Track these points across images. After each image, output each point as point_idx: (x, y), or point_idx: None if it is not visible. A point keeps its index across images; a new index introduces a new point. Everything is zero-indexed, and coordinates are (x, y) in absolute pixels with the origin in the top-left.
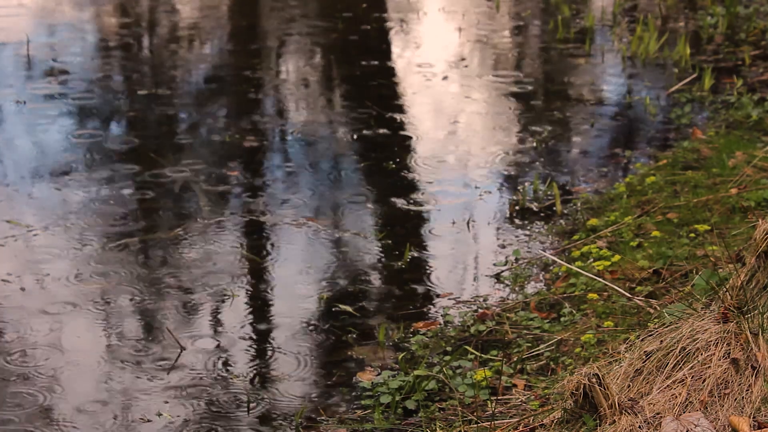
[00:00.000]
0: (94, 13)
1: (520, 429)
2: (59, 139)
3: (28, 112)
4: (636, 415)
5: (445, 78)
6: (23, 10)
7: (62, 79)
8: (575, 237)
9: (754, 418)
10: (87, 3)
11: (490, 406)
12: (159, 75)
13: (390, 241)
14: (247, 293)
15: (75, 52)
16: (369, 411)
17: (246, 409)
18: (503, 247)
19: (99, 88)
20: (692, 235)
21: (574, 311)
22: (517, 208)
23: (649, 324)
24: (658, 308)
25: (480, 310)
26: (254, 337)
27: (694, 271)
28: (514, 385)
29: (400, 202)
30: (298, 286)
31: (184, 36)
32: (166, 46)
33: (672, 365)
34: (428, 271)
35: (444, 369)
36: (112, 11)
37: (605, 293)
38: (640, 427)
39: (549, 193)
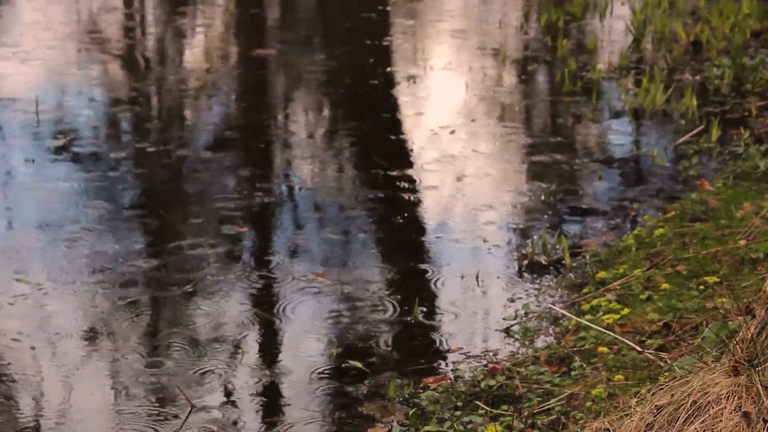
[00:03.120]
0: (102, 69)
1: None
2: (68, 196)
3: (37, 169)
4: None
5: (452, 132)
6: (32, 67)
7: (71, 137)
8: (585, 290)
9: None
10: (96, 59)
11: None
12: (168, 132)
13: (399, 296)
14: (257, 349)
15: (84, 109)
16: None
17: None
18: (512, 300)
19: (107, 146)
20: (702, 287)
21: (585, 365)
22: (525, 261)
23: (659, 377)
24: (669, 361)
25: (490, 365)
26: (264, 393)
27: (704, 324)
28: None
29: (408, 257)
30: (307, 341)
31: (193, 93)
32: (175, 103)
33: (683, 419)
34: (438, 326)
35: (455, 425)
36: (120, 68)
37: (615, 346)
38: None
39: (558, 246)
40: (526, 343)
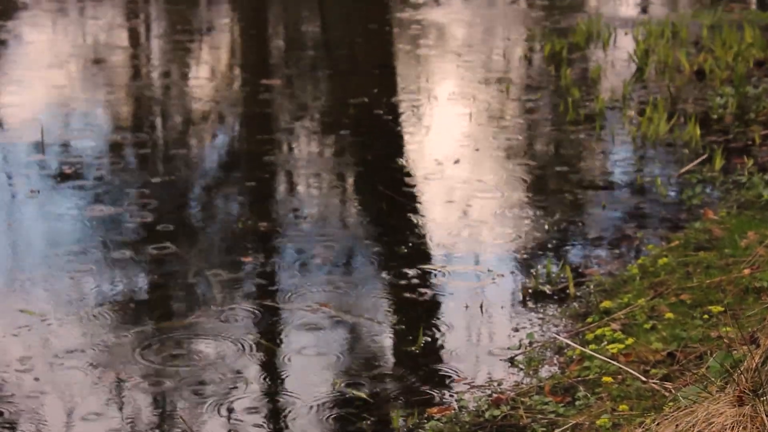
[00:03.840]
0: (107, 99)
1: None
2: (72, 226)
3: (42, 199)
4: None
5: (456, 162)
6: (38, 97)
7: (76, 167)
8: (589, 320)
9: None
10: (101, 89)
11: None
12: (173, 162)
13: (403, 326)
14: (260, 379)
15: (89, 139)
16: None
17: None
18: (517, 330)
19: (113, 176)
20: (706, 316)
21: (589, 395)
22: (530, 291)
23: (664, 407)
24: (673, 391)
25: (494, 395)
26: (267, 423)
27: (709, 353)
28: None
29: (413, 287)
30: (311, 372)
31: (197, 122)
32: (180, 132)
33: None
34: (442, 356)
35: None
36: (125, 98)
37: (620, 376)
38: None
39: (562, 275)
40: (531, 372)
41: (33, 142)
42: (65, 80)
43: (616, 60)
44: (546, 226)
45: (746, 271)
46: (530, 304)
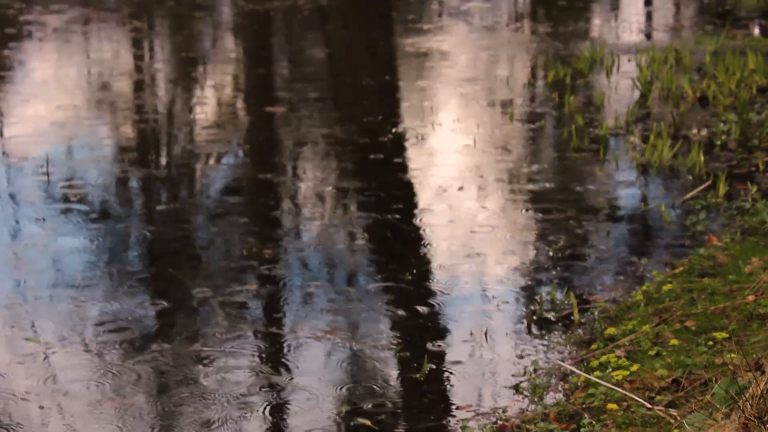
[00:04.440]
0: (112, 128)
1: None
2: (77, 255)
3: (47, 229)
4: None
5: (460, 188)
6: (43, 127)
7: (81, 196)
8: (593, 346)
9: None
10: (105, 118)
11: None
12: (176, 189)
13: (408, 353)
14: (265, 407)
15: (93, 168)
16: None
17: None
18: (521, 357)
19: (117, 204)
20: (710, 343)
21: (594, 422)
22: (534, 317)
23: None
24: (679, 418)
25: (499, 422)
26: None
27: (714, 380)
28: None
29: (417, 313)
30: (317, 399)
31: (202, 149)
32: (184, 161)
33: None
34: (447, 383)
35: None
36: (130, 126)
37: (625, 403)
38: None
39: (566, 302)
40: (536, 399)
41: (38, 170)
42: (70, 107)
43: (620, 86)
44: (550, 253)
45: (750, 298)
46: (535, 331)
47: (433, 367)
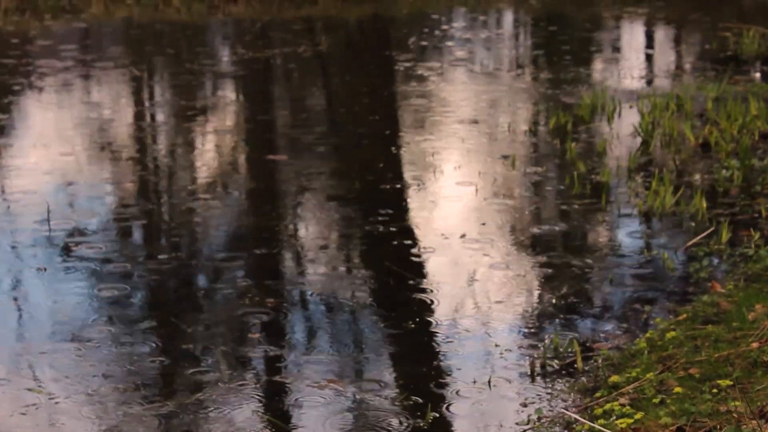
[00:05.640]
0: (113, 175)
1: None
2: (79, 305)
3: (49, 278)
4: None
5: (462, 236)
6: (43, 174)
7: (82, 245)
8: (597, 394)
9: None
10: (106, 165)
11: None
12: (179, 238)
13: (411, 402)
14: None
15: (95, 216)
16: None
17: None
18: (525, 405)
19: (119, 253)
20: (715, 390)
21: None
22: (538, 365)
23: None
24: None
25: None
26: None
27: (718, 428)
28: None
29: (420, 362)
30: None
31: (202, 197)
32: (186, 209)
33: None
34: (451, 431)
35: None
36: (131, 174)
37: None
38: None
39: (570, 350)
40: None
41: (39, 219)
42: (70, 157)
43: (622, 133)
44: (553, 300)
45: (754, 345)
46: (538, 379)
47: (437, 415)
